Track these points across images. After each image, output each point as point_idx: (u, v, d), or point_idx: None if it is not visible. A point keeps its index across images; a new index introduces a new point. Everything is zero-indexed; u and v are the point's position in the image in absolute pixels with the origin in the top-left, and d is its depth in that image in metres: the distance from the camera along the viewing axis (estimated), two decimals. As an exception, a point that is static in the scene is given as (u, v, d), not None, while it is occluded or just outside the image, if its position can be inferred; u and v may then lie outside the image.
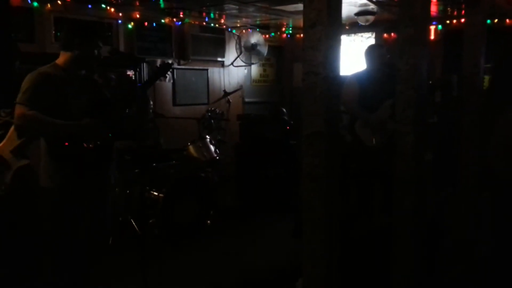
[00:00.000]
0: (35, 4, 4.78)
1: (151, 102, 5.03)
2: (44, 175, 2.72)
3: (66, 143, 2.62)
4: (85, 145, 2.66)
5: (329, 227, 1.99)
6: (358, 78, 4.25)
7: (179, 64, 6.41)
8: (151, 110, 4.97)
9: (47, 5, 4.87)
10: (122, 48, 5.62)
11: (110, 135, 2.78)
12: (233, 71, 7.24)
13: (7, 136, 3.04)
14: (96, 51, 2.75)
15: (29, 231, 3.24)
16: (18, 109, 2.54)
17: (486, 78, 5.85)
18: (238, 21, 6.72)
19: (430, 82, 4.85)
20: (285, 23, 7.13)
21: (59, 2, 4.88)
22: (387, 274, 2.65)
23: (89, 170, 2.74)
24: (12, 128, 2.90)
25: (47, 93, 2.58)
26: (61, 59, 2.74)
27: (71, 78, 2.71)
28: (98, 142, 2.71)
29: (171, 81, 6.34)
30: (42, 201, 2.77)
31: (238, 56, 7.13)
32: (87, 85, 2.81)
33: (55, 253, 2.77)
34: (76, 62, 2.73)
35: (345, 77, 4.27)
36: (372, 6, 5.50)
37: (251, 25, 6.98)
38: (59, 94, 2.62)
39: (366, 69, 4.31)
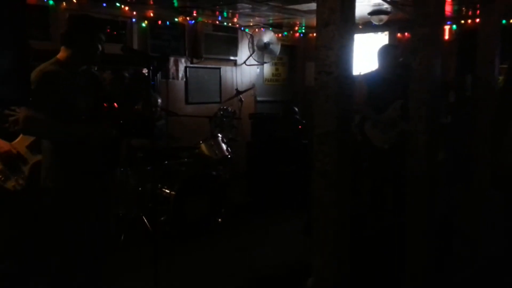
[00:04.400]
0: (51, 2, 4.84)
1: (159, 100, 5.05)
2: (48, 175, 2.60)
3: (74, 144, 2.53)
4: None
5: (340, 225, 2.00)
6: (367, 79, 4.25)
7: (192, 63, 6.43)
8: (158, 108, 4.99)
9: (63, 3, 4.93)
10: (135, 46, 5.66)
11: (118, 135, 2.70)
12: (246, 70, 7.26)
13: (22, 132, 3.08)
14: (99, 46, 2.65)
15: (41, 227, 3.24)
16: (23, 112, 2.43)
17: (500, 78, 5.80)
18: (251, 20, 6.73)
19: (444, 82, 4.82)
20: (298, 22, 7.12)
21: (74, 0, 4.94)
22: (398, 272, 2.65)
23: (96, 170, 2.66)
24: None
25: (52, 93, 2.46)
26: (63, 54, 2.61)
27: (74, 74, 2.61)
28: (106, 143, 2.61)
29: (184, 79, 6.37)
30: (45, 202, 2.63)
31: (250, 55, 7.15)
32: (90, 80, 2.73)
33: (61, 253, 2.66)
34: (80, 58, 2.63)
35: (356, 77, 4.27)
36: (386, 6, 5.47)
37: (264, 24, 6.99)
38: (64, 93, 2.50)
39: (377, 69, 4.30)
